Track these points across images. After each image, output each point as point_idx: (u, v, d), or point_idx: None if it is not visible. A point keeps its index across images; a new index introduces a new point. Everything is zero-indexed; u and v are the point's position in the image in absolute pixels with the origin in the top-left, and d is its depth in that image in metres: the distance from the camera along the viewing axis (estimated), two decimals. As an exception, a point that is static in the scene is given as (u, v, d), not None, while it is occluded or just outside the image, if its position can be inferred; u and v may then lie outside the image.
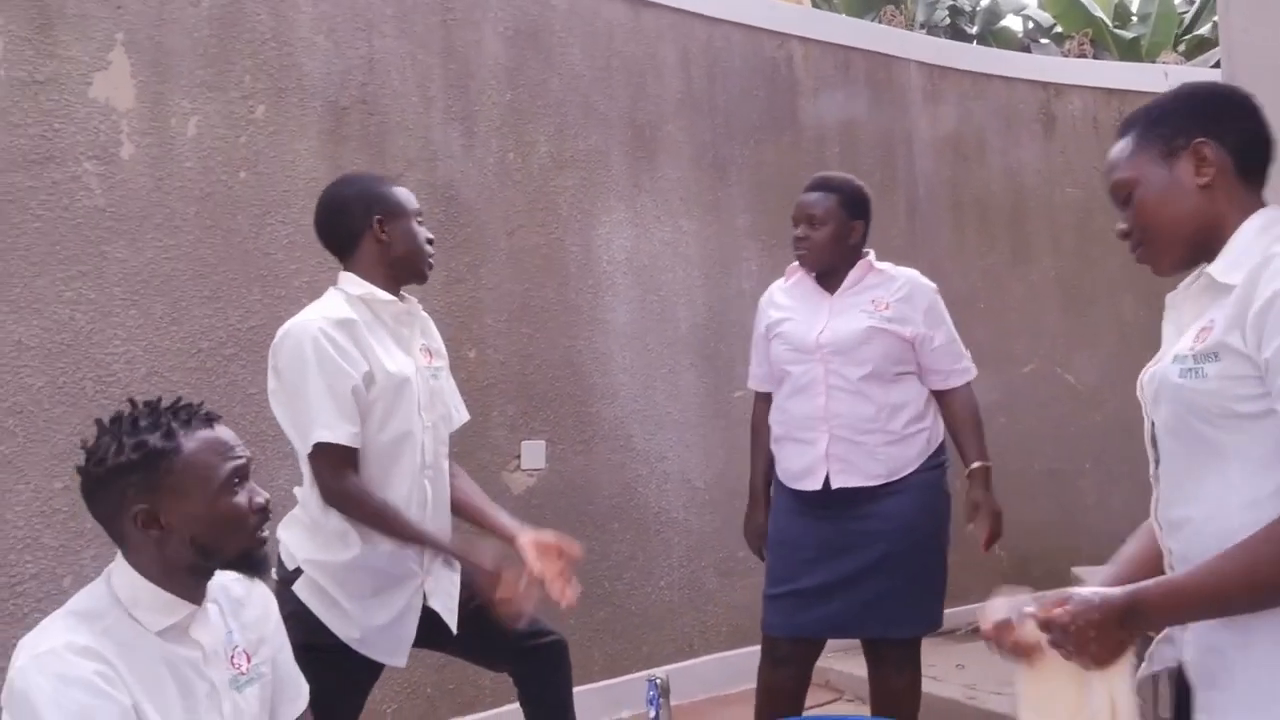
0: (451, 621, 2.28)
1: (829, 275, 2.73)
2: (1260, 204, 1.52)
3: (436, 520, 2.28)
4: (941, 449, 2.72)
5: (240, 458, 1.54)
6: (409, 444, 2.22)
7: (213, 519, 1.50)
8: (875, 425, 2.64)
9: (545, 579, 2.18)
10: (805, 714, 2.85)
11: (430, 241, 2.32)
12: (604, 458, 3.71)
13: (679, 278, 3.93)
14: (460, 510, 2.40)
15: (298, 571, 2.15)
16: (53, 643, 1.39)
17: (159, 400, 1.55)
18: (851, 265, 2.71)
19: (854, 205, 2.70)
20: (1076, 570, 4.24)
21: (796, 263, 2.80)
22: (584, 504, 3.65)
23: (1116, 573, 1.60)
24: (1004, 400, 4.58)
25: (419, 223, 2.30)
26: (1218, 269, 1.48)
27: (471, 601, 2.32)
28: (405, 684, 3.21)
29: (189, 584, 1.52)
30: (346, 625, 2.16)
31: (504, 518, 2.36)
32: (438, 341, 2.41)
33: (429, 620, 2.26)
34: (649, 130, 3.89)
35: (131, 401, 1.55)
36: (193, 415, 1.53)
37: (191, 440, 1.50)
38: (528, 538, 2.24)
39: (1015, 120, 4.98)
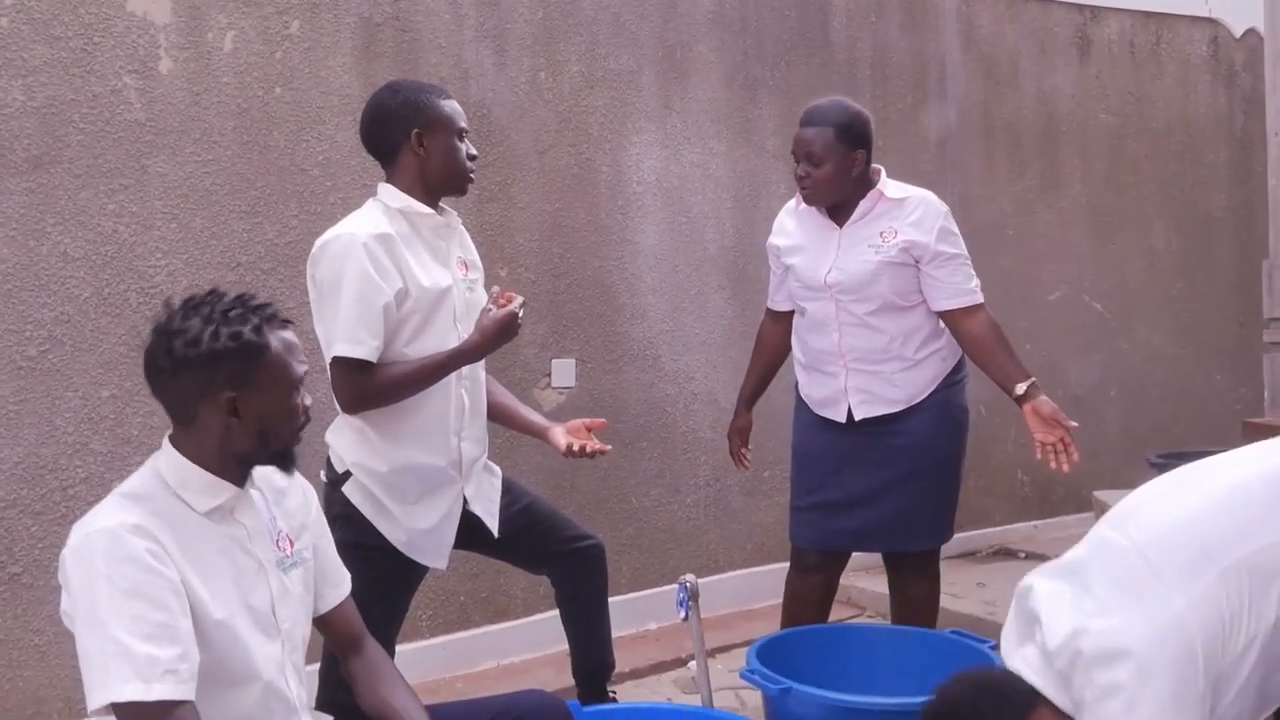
0: (493, 525, 2.35)
1: (838, 205, 2.69)
2: None
3: (473, 429, 2.34)
4: (959, 366, 2.74)
5: (305, 363, 1.62)
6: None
7: (281, 414, 1.57)
8: (890, 354, 2.66)
9: (578, 449, 2.36)
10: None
11: (473, 158, 2.32)
12: (633, 377, 3.76)
13: (708, 199, 3.94)
14: (494, 413, 2.46)
15: (347, 474, 2.22)
16: (105, 521, 1.44)
17: (242, 294, 1.60)
18: (861, 194, 2.65)
19: (852, 135, 2.61)
20: (1098, 494, 4.29)
21: None
22: (613, 422, 3.69)
23: None
24: (1031, 327, 4.59)
25: (461, 138, 2.29)
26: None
27: (513, 505, 2.40)
28: (439, 592, 3.31)
29: (236, 470, 1.58)
30: (393, 528, 2.23)
31: (535, 416, 2.49)
32: (474, 254, 2.44)
33: (470, 524, 2.33)
34: (680, 50, 3.87)
35: (214, 291, 1.60)
36: (274, 314, 1.59)
37: (275, 339, 1.56)
38: (559, 428, 2.41)
39: (1050, 44, 4.91)
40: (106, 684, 1.37)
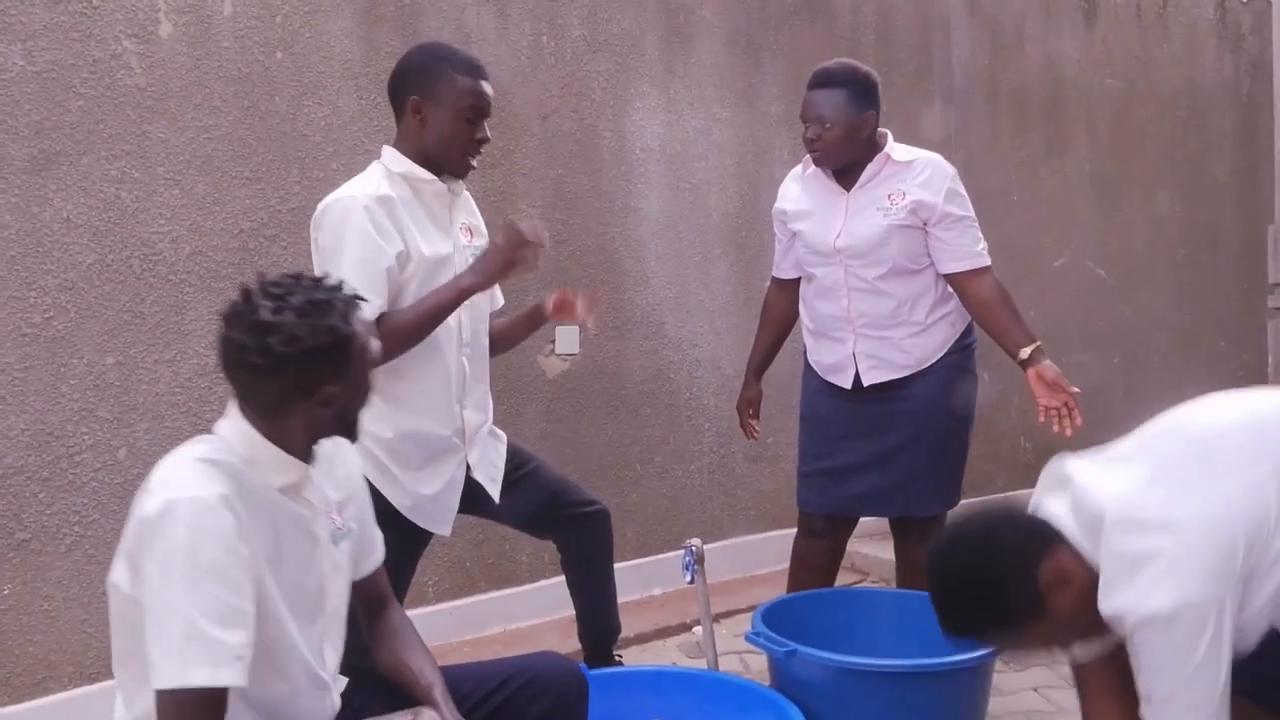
0: (495, 492, 2.36)
1: (846, 169, 2.67)
2: None
3: (475, 396, 2.34)
4: (968, 331, 2.74)
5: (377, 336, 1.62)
6: (446, 323, 2.24)
7: (363, 395, 1.57)
8: (899, 319, 2.65)
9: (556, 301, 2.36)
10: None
11: (481, 141, 2.24)
12: (636, 344, 3.76)
13: (711, 165, 3.92)
14: (498, 342, 2.47)
15: None
16: (192, 490, 1.40)
17: (325, 278, 1.57)
18: (868, 158, 2.64)
19: (863, 96, 2.60)
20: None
21: None
22: (617, 389, 3.71)
23: None
24: (1034, 293, 4.57)
25: (471, 119, 2.21)
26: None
27: (518, 471, 2.41)
28: (445, 558, 3.33)
29: (309, 449, 1.57)
30: (398, 493, 2.24)
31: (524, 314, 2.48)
32: (479, 220, 2.42)
33: (475, 490, 2.34)
34: (683, 14, 3.84)
35: (296, 276, 1.55)
36: (353, 296, 1.57)
37: (358, 324, 1.55)
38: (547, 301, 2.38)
39: (1056, 7, 4.87)
40: (178, 667, 1.35)
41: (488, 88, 2.26)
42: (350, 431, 1.61)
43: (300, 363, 1.48)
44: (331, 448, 1.67)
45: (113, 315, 2.78)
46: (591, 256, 3.64)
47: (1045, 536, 1.64)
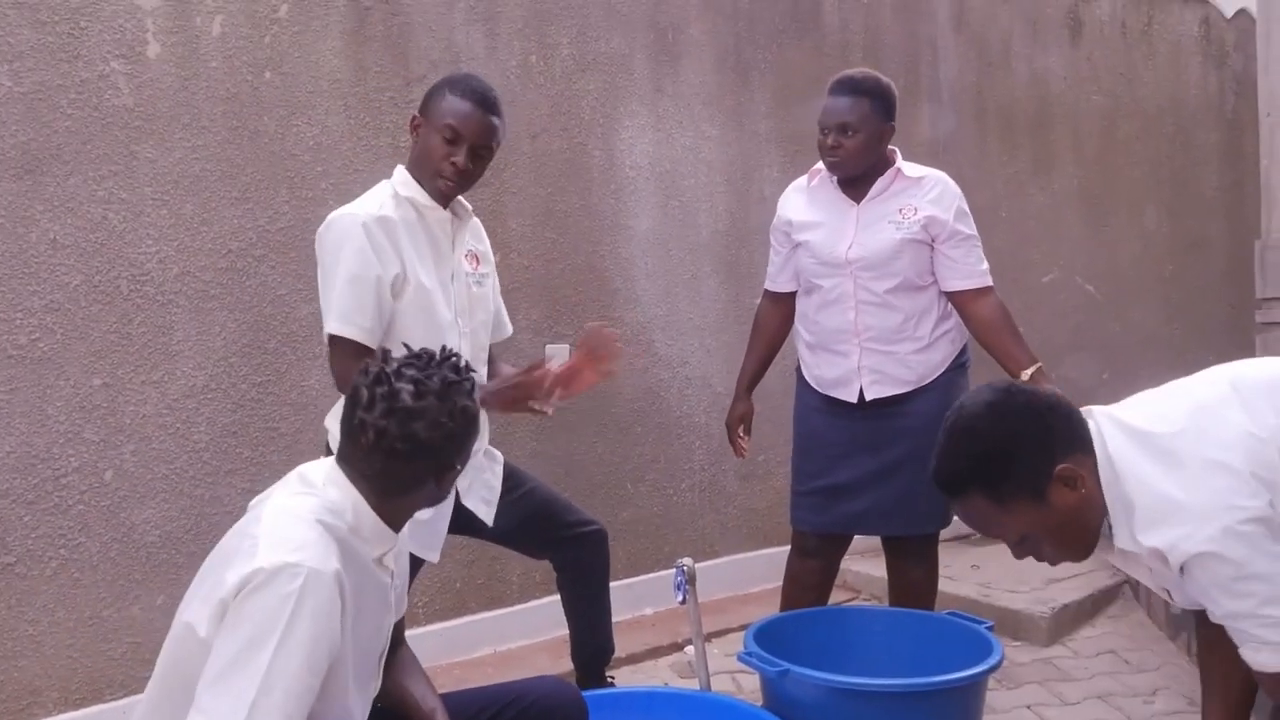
0: (488, 517, 2.34)
1: (855, 181, 2.69)
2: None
3: (490, 460, 2.37)
4: (965, 349, 2.75)
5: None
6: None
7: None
8: (904, 334, 2.66)
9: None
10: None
11: (452, 164, 2.18)
12: (627, 362, 3.74)
13: (701, 183, 3.93)
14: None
15: None
16: (317, 563, 1.38)
17: (447, 355, 1.56)
18: (879, 171, 2.66)
19: (887, 108, 2.64)
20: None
21: (820, 164, 2.78)
22: (607, 407, 3.70)
23: None
24: (1023, 309, 4.56)
25: (448, 139, 2.18)
26: (1124, 540, 1.65)
27: (514, 491, 2.39)
28: (435, 579, 3.30)
29: (400, 520, 1.57)
30: None
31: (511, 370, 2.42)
32: (486, 245, 2.41)
33: (467, 512, 2.32)
34: (671, 33, 3.85)
35: (420, 354, 1.55)
36: (472, 373, 1.57)
37: (475, 401, 1.56)
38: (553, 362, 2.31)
39: (1042, 25, 4.90)
40: None
41: (480, 116, 2.21)
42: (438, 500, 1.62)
43: (439, 448, 1.49)
44: None
45: (100, 336, 2.76)
46: (581, 275, 3.64)
47: (1082, 441, 1.64)
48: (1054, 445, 1.63)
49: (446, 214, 2.26)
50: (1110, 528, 1.66)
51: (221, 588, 1.37)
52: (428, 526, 2.27)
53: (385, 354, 1.53)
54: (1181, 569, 1.55)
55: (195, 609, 1.40)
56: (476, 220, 2.37)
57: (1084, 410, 1.70)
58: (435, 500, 1.58)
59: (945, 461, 1.70)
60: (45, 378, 2.69)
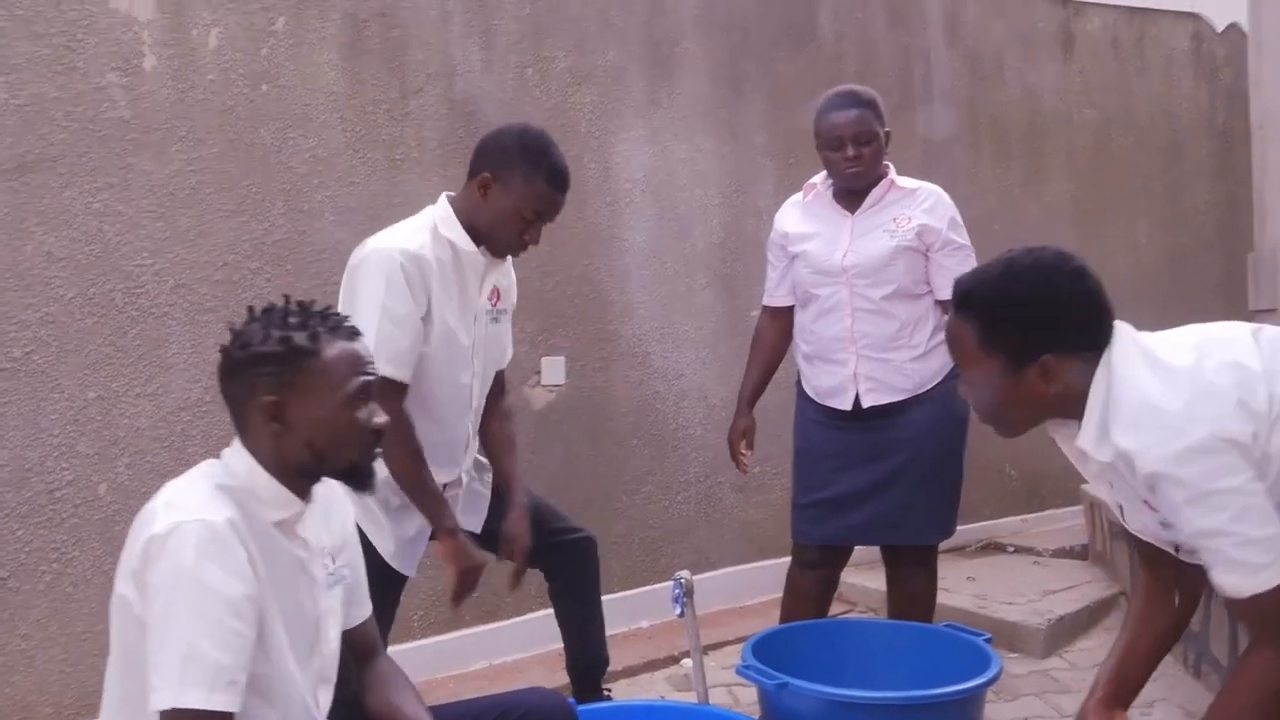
0: (475, 526, 2.38)
1: (851, 194, 2.72)
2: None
3: (468, 459, 2.39)
4: (961, 359, 2.75)
5: (370, 375, 1.57)
6: (459, 391, 2.28)
7: (332, 427, 1.52)
8: (900, 342, 2.67)
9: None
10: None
11: (529, 243, 2.25)
12: (622, 374, 3.75)
13: (696, 196, 3.94)
14: (489, 451, 2.48)
15: None
16: (201, 513, 1.40)
17: (312, 302, 1.58)
18: (874, 182, 2.70)
19: (881, 114, 2.70)
20: (1087, 488, 4.31)
21: (815, 179, 2.81)
22: (603, 420, 3.70)
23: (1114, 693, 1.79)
24: (1017, 321, 4.60)
25: (529, 220, 2.22)
26: (1088, 443, 1.66)
27: (503, 499, 2.41)
28: (430, 593, 3.29)
29: (299, 483, 1.54)
30: (385, 539, 2.24)
31: (516, 488, 2.44)
32: (511, 279, 2.43)
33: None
34: (666, 46, 3.86)
35: (286, 298, 1.58)
36: (339, 324, 1.56)
37: (333, 347, 1.52)
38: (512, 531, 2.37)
39: (1034, 39, 4.93)
40: (175, 688, 1.33)
41: (561, 200, 2.28)
42: (348, 478, 1.59)
43: (247, 368, 1.50)
44: (326, 495, 1.66)
45: (94, 349, 2.75)
46: (577, 287, 3.64)
47: (1090, 341, 1.64)
48: (1058, 337, 1.63)
49: (482, 260, 2.27)
50: (1080, 427, 1.66)
51: (132, 557, 1.41)
52: (416, 542, 2.31)
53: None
54: (1153, 487, 1.54)
55: (122, 584, 1.42)
56: (508, 260, 2.37)
57: (1116, 323, 1.69)
58: (308, 458, 1.52)
59: (980, 276, 1.72)
60: (39, 390, 2.68)
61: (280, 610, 1.47)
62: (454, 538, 2.25)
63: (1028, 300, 1.65)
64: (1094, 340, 1.65)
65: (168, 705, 1.34)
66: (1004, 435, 1.79)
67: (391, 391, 2.13)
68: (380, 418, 1.58)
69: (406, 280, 2.11)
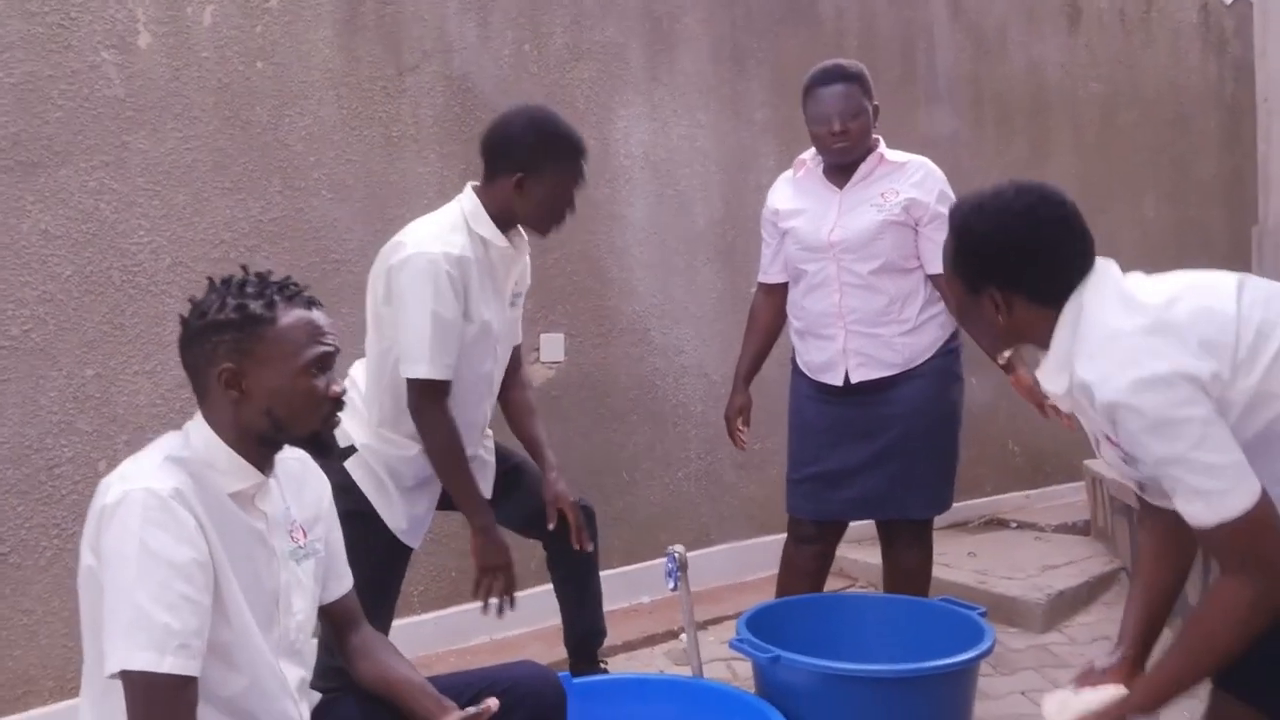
0: (485, 491, 2.40)
1: (840, 169, 2.71)
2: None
3: (485, 439, 2.45)
4: (956, 334, 2.74)
5: (329, 345, 1.57)
6: (483, 378, 2.34)
7: (290, 395, 1.53)
8: (889, 316, 2.67)
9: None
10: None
11: (572, 213, 2.33)
12: (622, 351, 3.75)
13: (696, 173, 3.92)
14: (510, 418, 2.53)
15: (351, 449, 2.26)
16: (147, 481, 1.41)
17: (269, 272, 1.59)
18: (863, 157, 2.69)
19: (869, 90, 2.68)
20: (1089, 463, 4.30)
21: (805, 155, 2.80)
22: (602, 396, 3.70)
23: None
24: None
25: (571, 198, 2.30)
26: (1044, 374, 1.69)
27: (501, 465, 2.45)
28: (430, 567, 3.31)
29: (259, 453, 1.55)
30: (396, 516, 2.29)
31: (548, 456, 2.49)
32: (527, 263, 2.46)
33: None
34: (666, 21, 3.84)
35: (244, 268, 1.59)
36: (296, 293, 1.57)
37: (289, 315, 1.53)
38: (556, 486, 2.43)
39: (1039, 12, 4.88)
40: (123, 650, 1.36)
41: (587, 163, 2.34)
42: (310, 445, 1.60)
43: (205, 336, 1.51)
44: (300, 469, 1.68)
45: (92, 327, 2.76)
46: (577, 264, 3.64)
47: (1048, 289, 1.64)
48: (1008, 275, 1.65)
49: (514, 253, 2.32)
50: (1042, 360, 1.69)
51: (89, 527, 1.44)
52: (425, 519, 2.36)
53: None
54: (1113, 419, 1.53)
55: (85, 549, 1.45)
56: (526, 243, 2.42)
57: (1098, 263, 1.68)
58: (267, 426, 1.53)
59: (967, 200, 1.75)
60: (38, 368, 2.69)
61: (237, 579, 1.48)
62: (486, 535, 2.29)
63: (986, 236, 1.67)
64: (1045, 287, 1.64)
65: (117, 668, 1.35)
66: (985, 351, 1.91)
67: (438, 393, 2.19)
68: (338, 386, 1.59)
69: (451, 284, 2.16)
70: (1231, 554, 1.51)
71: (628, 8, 3.74)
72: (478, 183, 2.32)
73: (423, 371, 2.17)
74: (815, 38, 4.17)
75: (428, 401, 2.20)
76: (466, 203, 2.28)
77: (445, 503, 2.36)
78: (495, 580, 2.32)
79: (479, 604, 2.37)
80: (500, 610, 2.35)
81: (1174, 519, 1.71)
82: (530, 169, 2.24)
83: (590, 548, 2.45)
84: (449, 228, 2.24)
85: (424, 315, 2.15)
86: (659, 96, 3.83)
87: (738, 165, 4.01)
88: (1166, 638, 1.81)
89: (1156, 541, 1.81)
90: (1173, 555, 1.79)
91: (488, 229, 2.26)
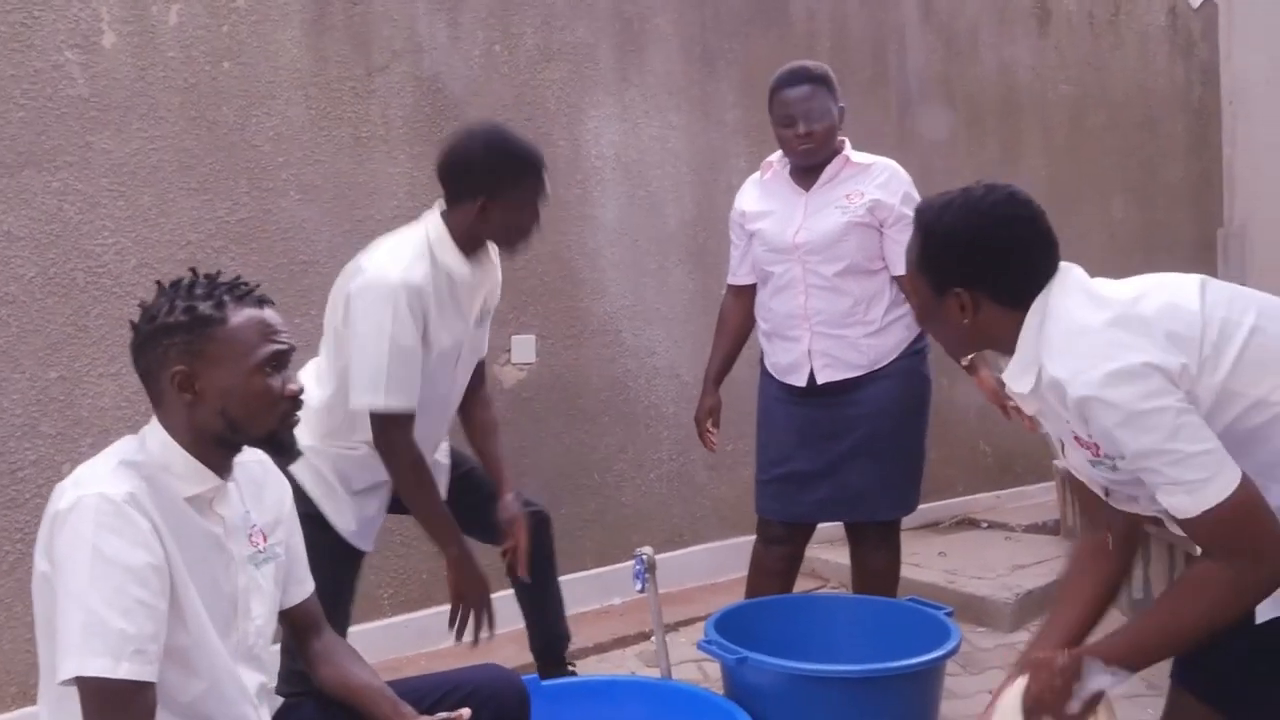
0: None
1: (807, 171, 2.72)
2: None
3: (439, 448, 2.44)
4: (922, 335, 2.75)
5: (282, 344, 1.56)
6: (442, 398, 2.33)
7: (244, 394, 1.52)
8: (854, 318, 2.68)
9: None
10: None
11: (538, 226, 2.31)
12: (594, 352, 3.75)
13: (667, 174, 3.93)
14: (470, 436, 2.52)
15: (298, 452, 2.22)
16: (100, 487, 1.40)
17: (219, 273, 1.58)
18: (827, 159, 2.70)
19: (835, 92, 2.69)
20: (1059, 464, 4.33)
21: (772, 157, 2.81)
22: (574, 398, 3.70)
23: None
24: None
25: (535, 215, 2.27)
26: (1010, 376, 1.68)
27: (455, 471, 2.43)
28: (400, 570, 3.30)
29: (216, 456, 1.54)
30: (345, 517, 2.28)
31: (504, 473, 2.47)
32: (497, 281, 2.44)
33: None
34: (637, 22, 3.84)
35: (193, 270, 1.58)
36: (246, 293, 1.55)
37: (239, 315, 1.52)
38: (509, 503, 2.40)
39: (1009, 15, 4.92)
40: (77, 657, 1.34)
41: (546, 175, 2.31)
42: (268, 445, 1.58)
43: (156, 339, 1.50)
44: (260, 473, 1.67)
45: (56, 329, 2.74)
46: (548, 265, 3.63)
47: (1012, 291, 1.64)
48: (973, 276, 1.65)
49: (476, 280, 2.30)
50: (1007, 363, 1.69)
51: (41, 535, 1.43)
52: (375, 522, 2.36)
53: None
54: (1085, 416, 1.53)
55: (39, 555, 1.44)
56: (497, 261, 2.40)
57: (1062, 266, 1.69)
58: (220, 428, 1.51)
59: (935, 200, 1.74)
60: (0, 371, 2.66)
61: (194, 583, 1.47)
62: (461, 566, 2.27)
63: (956, 234, 1.67)
64: (1012, 288, 1.65)
65: (71, 674, 1.34)
66: (949, 353, 1.89)
67: (402, 423, 2.17)
68: (295, 385, 1.57)
69: (411, 312, 2.14)
70: (1217, 541, 1.50)
71: (598, 9, 3.74)
72: (444, 207, 2.29)
73: (378, 402, 2.14)
74: (786, 39, 4.18)
75: (393, 434, 2.17)
76: (432, 230, 2.25)
77: (398, 505, 2.35)
78: (473, 610, 2.29)
79: (449, 606, 2.35)
80: (476, 640, 2.31)
81: (1123, 527, 1.72)
82: (492, 194, 2.21)
83: (528, 579, 2.42)
84: (412, 255, 2.20)
85: (382, 341, 2.12)
86: (630, 97, 3.83)
87: (709, 166, 4.02)
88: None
89: (1089, 557, 1.80)
90: (1104, 570, 1.77)
91: (453, 257, 2.23)
